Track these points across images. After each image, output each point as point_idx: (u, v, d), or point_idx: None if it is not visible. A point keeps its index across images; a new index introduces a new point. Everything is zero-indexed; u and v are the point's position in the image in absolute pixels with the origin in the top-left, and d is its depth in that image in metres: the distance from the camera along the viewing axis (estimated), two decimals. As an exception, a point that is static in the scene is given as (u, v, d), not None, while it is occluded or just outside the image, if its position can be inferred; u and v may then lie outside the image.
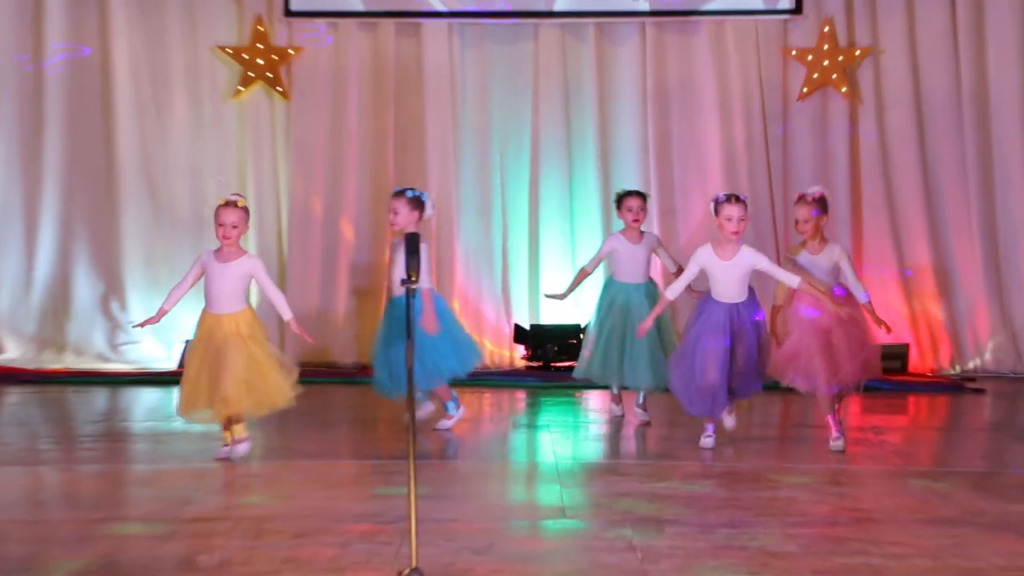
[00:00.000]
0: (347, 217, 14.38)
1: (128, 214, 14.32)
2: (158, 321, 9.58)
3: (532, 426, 11.72)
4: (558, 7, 14.29)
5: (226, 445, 9.33)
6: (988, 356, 14.01)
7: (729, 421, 10.08)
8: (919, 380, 13.67)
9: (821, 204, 10.19)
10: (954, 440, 11.50)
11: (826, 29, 14.15)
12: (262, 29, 14.24)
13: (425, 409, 10.96)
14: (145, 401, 12.84)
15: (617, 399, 11.32)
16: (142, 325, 9.76)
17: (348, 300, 14.46)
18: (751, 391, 9.93)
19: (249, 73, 14.32)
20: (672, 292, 9.50)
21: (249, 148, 14.48)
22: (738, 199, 9.15)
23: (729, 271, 9.21)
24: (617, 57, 14.48)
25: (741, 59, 14.39)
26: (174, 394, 9.53)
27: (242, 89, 14.33)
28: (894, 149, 14.28)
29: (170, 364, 14.00)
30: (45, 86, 14.25)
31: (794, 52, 14.25)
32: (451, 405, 10.87)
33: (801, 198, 10.23)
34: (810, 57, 14.19)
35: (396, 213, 9.96)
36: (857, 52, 14.17)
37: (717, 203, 9.21)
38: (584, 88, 14.46)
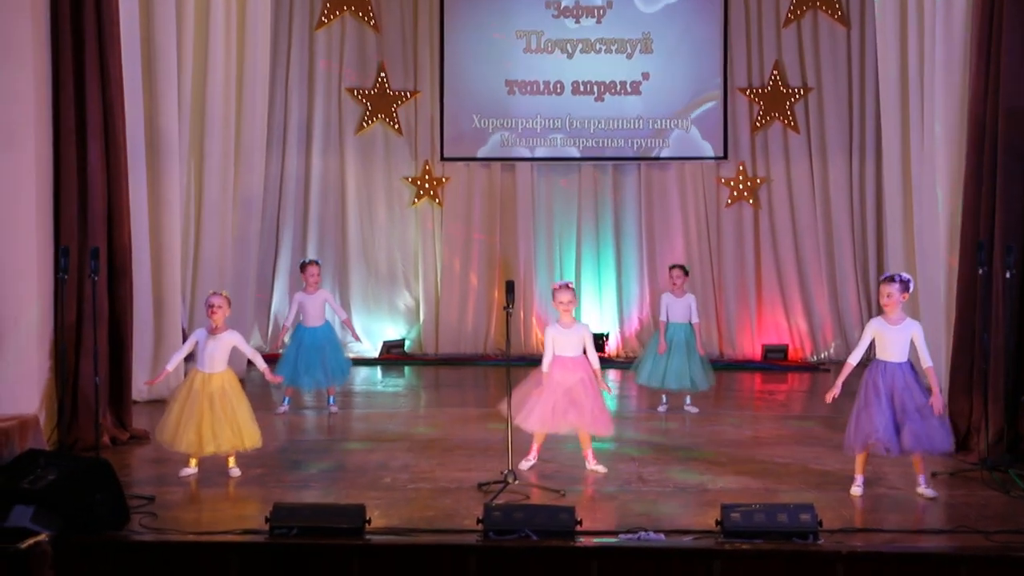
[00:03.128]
0: (474, 272, 14.68)
1: (353, 273, 14.72)
2: (163, 379, 8.55)
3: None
4: (590, 154, 14.48)
5: (187, 467, 7.96)
6: (832, 351, 14.09)
7: (929, 491, 7.42)
8: (793, 364, 13.87)
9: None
10: (813, 397, 11.56)
11: (740, 167, 14.43)
12: (428, 166, 14.60)
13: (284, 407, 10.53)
14: (362, 373, 13.13)
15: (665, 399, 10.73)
16: (151, 383, 8.92)
17: (473, 318, 14.62)
18: (936, 444, 7.27)
19: (420, 192, 14.65)
20: (853, 358, 7.50)
21: (420, 233, 14.78)
22: (891, 279, 7.33)
23: (895, 334, 7.31)
24: (624, 182, 14.70)
25: (693, 183, 14.54)
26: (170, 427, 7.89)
27: (416, 200, 14.67)
28: (778, 235, 14.45)
29: (373, 353, 14.20)
30: (311, 207, 14.62)
31: (723, 180, 14.48)
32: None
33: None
34: (732, 183, 14.44)
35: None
36: (759, 180, 14.42)
37: (880, 282, 7.47)
38: (606, 200, 14.64)
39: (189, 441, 7.82)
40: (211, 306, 8.06)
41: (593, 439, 8.29)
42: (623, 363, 13.82)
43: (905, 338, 7.35)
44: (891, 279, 7.38)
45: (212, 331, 8.06)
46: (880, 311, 7.61)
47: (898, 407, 7.24)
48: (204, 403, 7.84)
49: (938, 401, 7.26)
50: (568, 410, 7.95)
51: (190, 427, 7.80)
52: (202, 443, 7.82)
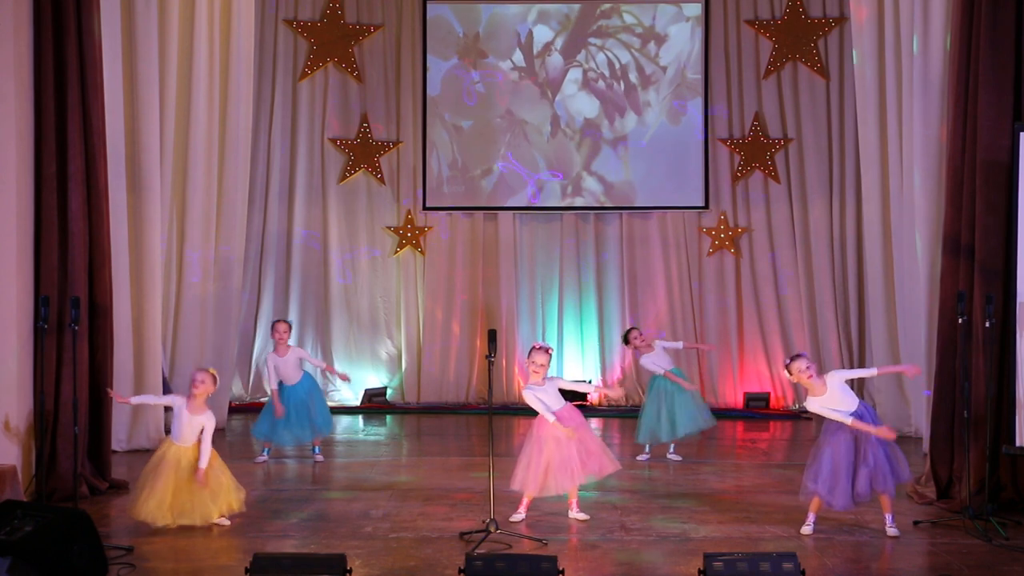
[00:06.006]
0: (456, 321, 14.76)
1: (335, 322, 14.75)
2: (123, 402, 8.73)
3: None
4: (575, 204, 14.61)
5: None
6: (812, 399, 14.25)
7: (893, 531, 7.66)
8: (775, 412, 13.93)
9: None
10: (795, 445, 11.69)
11: (722, 216, 14.53)
12: (411, 216, 14.72)
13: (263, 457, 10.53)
14: (344, 422, 13.07)
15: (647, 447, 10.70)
16: (111, 392, 8.68)
17: (456, 367, 14.67)
18: (889, 483, 7.59)
19: (403, 241, 14.73)
20: (810, 405, 7.70)
21: (403, 282, 14.87)
22: (799, 356, 7.59)
23: (832, 396, 7.48)
24: (606, 232, 14.81)
25: (675, 233, 14.67)
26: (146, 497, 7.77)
27: (399, 250, 14.74)
28: (759, 283, 14.48)
29: (355, 402, 14.29)
30: (293, 255, 14.66)
31: (704, 229, 14.59)
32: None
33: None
34: (713, 231, 14.53)
35: None
36: (740, 230, 14.51)
37: (791, 363, 7.59)
38: (589, 249, 14.77)
39: (164, 516, 7.71)
40: (194, 380, 7.94)
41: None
42: (605, 411, 14.01)
43: (840, 391, 7.60)
44: (799, 356, 7.65)
45: (190, 406, 7.92)
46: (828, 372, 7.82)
47: (858, 452, 7.51)
48: (183, 477, 7.77)
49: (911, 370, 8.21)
50: (586, 460, 8.03)
51: (165, 502, 7.70)
52: (183, 516, 7.75)
